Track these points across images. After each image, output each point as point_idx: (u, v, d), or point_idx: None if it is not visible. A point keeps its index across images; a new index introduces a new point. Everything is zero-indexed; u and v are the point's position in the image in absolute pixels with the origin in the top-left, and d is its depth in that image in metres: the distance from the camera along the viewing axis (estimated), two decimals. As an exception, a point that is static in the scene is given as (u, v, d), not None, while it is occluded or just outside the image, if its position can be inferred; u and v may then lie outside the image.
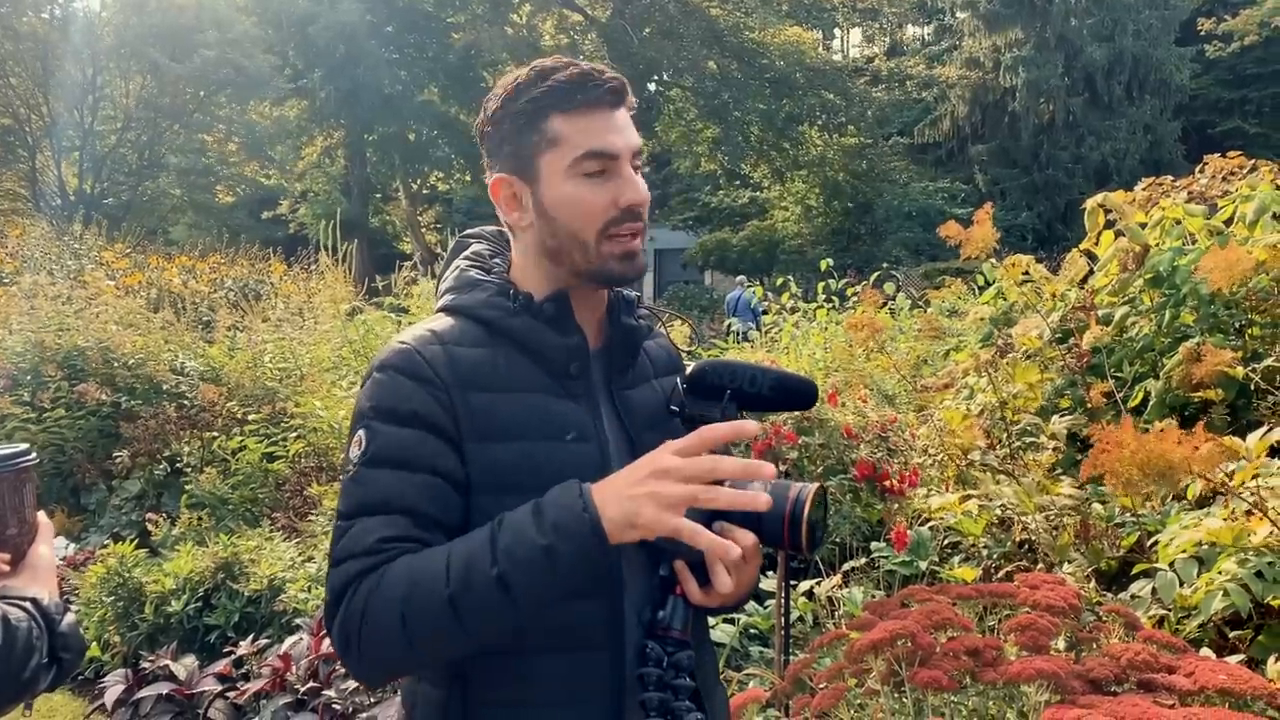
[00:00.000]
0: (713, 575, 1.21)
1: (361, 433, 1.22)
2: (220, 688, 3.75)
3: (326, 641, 3.58)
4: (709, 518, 1.22)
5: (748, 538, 1.21)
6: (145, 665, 4.01)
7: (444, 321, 1.30)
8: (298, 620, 3.91)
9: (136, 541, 4.82)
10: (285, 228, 31.49)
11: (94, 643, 4.38)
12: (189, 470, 5.33)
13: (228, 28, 25.71)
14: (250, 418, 5.52)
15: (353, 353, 5.31)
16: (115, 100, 26.55)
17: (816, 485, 1.25)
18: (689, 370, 1.38)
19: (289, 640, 3.77)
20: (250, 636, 3.99)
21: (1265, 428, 2.46)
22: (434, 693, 1.26)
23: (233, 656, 3.90)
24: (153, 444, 5.68)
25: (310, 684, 3.50)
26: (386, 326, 5.31)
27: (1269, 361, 2.94)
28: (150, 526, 4.98)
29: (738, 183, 33.99)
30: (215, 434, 5.48)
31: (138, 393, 6.26)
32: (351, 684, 3.39)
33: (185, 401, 6.13)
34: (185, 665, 3.90)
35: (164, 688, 3.77)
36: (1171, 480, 1.83)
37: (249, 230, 27.78)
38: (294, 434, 5.29)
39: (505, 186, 1.32)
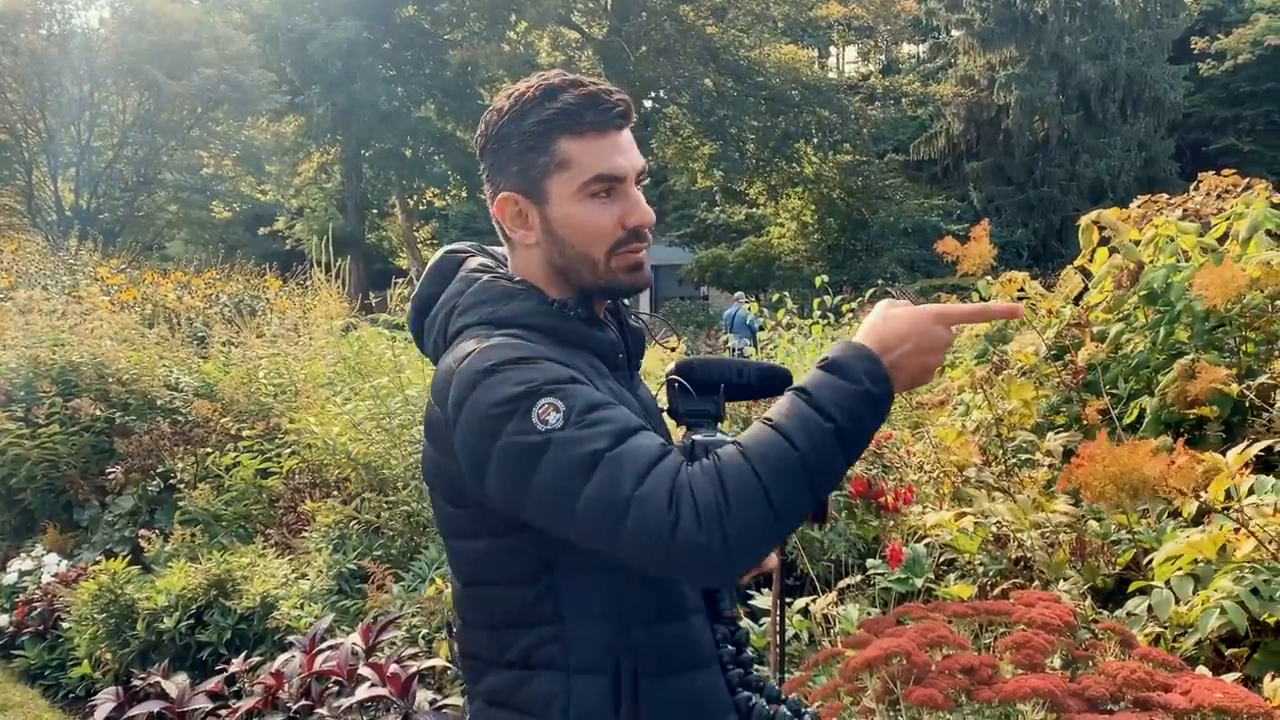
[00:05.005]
0: None
1: (546, 401, 1.17)
2: (212, 706, 3.72)
3: (319, 659, 3.56)
4: None
5: None
6: (136, 683, 3.97)
7: (502, 330, 1.28)
8: (290, 638, 3.89)
9: (129, 558, 4.80)
10: (282, 243, 31.52)
11: (85, 660, 4.36)
12: (182, 486, 5.30)
13: (226, 45, 25.77)
14: (244, 434, 5.49)
15: (348, 369, 5.29)
16: (112, 116, 26.58)
17: None
18: (675, 368, 1.43)
19: (281, 658, 3.74)
20: (243, 654, 3.97)
21: (1244, 443, 2.46)
22: (598, 680, 1.27)
23: (225, 674, 3.87)
24: (146, 460, 5.65)
25: (303, 702, 3.48)
26: (381, 343, 5.30)
27: (1263, 378, 2.94)
28: (143, 543, 4.95)
29: (734, 199, 34.07)
30: (209, 450, 5.45)
31: (132, 408, 6.24)
32: (345, 702, 3.36)
33: (179, 417, 6.11)
34: (177, 683, 3.87)
35: (155, 706, 3.74)
36: (1145, 495, 1.83)
37: (245, 246, 27.84)
38: (288, 450, 5.26)
39: (511, 205, 1.33)
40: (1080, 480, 1.83)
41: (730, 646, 1.32)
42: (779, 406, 1.18)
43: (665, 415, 1.45)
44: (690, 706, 1.31)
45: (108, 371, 6.40)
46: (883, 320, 1.23)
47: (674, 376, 1.42)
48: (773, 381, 1.46)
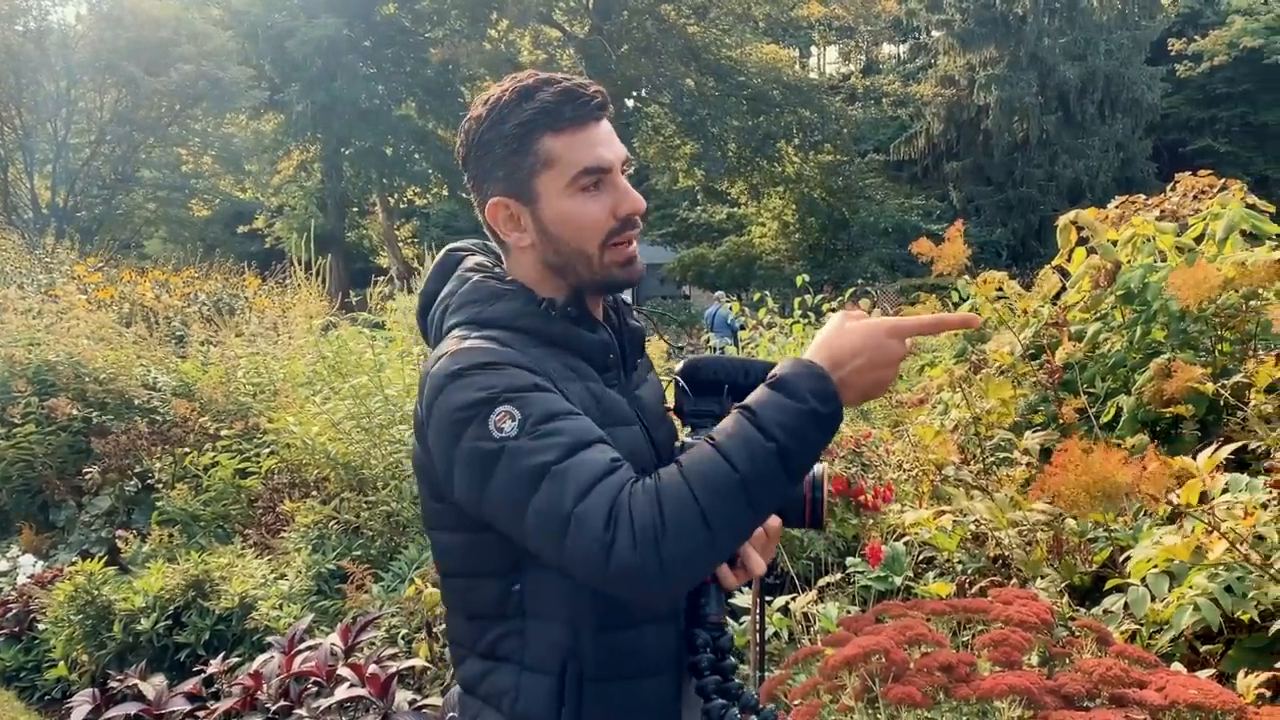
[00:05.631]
0: (746, 561, 1.33)
1: (504, 408, 1.18)
2: (190, 707, 3.70)
3: (298, 659, 3.55)
4: None
5: (774, 521, 1.34)
6: (113, 685, 3.95)
7: (484, 331, 1.30)
8: (269, 638, 3.87)
9: (106, 559, 4.76)
10: (261, 242, 31.36)
11: (61, 662, 4.32)
12: (160, 486, 5.26)
13: (204, 41, 25.61)
14: (223, 433, 5.46)
15: (327, 368, 5.27)
16: (89, 113, 26.37)
17: (824, 465, 1.36)
18: (680, 369, 1.44)
19: (260, 658, 3.72)
20: (221, 655, 3.94)
21: (1214, 446, 2.48)
22: (544, 679, 1.29)
23: (203, 675, 3.85)
24: (124, 460, 5.61)
25: (281, 703, 3.46)
26: (360, 342, 5.27)
27: (1238, 377, 2.97)
28: (120, 544, 4.92)
29: (716, 199, 34.13)
30: (187, 450, 5.42)
31: (109, 408, 6.19)
32: (324, 702, 3.35)
33: (157, 417, 6.06)
34: (154, 685, 3.84)
35: (132, 708, 3.71)
36: (1116, 501, 1.83)
37: (224, 245, 27.64)
38: (267, 450, 5.24)
39: (502, 209, 1.34)
40: (1053, 488, 1.84)
41: (711, 653, 1.32)
42: (724, 424, 1.18)
43: (673, 414, 1.46)
44: (633, 713, 1.34)
45: (84, 371, 6.35)
46: (836, 334, 1.22)
47: (678, 376, 1.44)
48: None
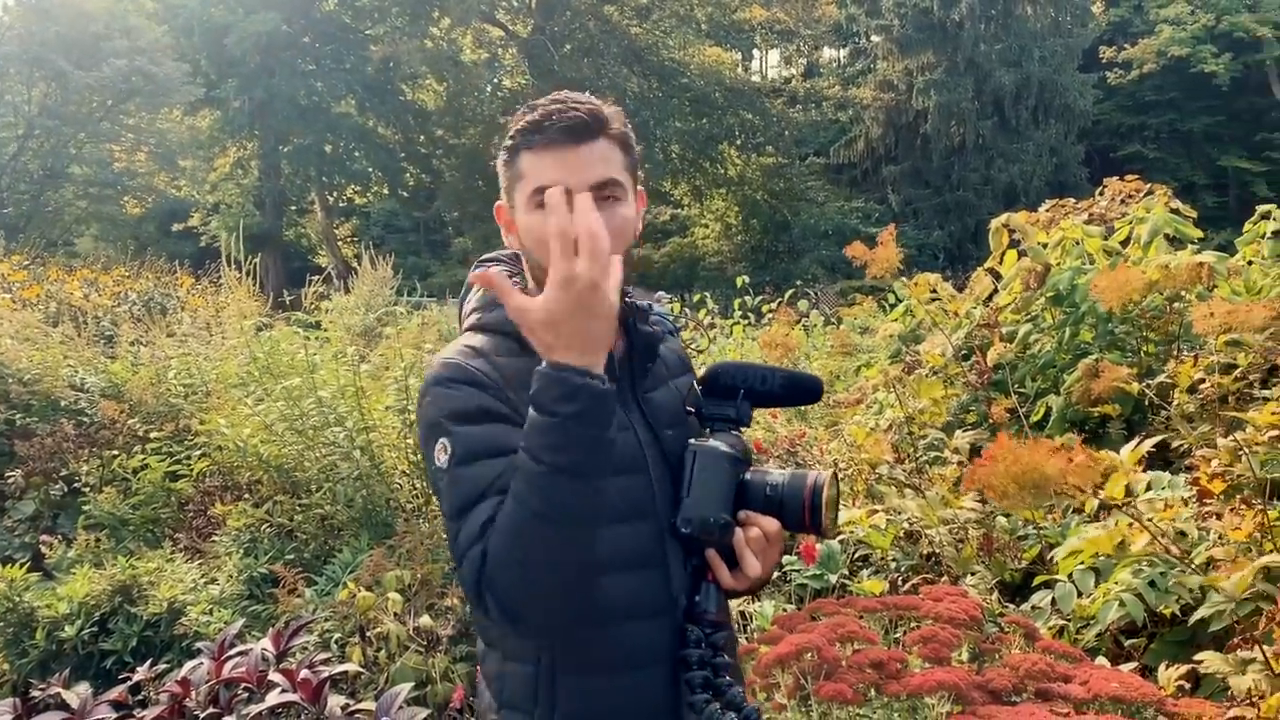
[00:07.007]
0: (741, 561, 1.35)
1: (443, 440, 1.30)
2: (116, 716, 3.59)
3: (228, 665, 3.47)
4: (734, 508, 1.37)
5: (772, 524, 1.37)
6: (35, 694, 3.82)
7: (477, 338, 1.40)
8: (199, 644, 3.79)
9: (29, 565, 4.62)
10: (196, 241, 30.72)
11: (-20, 671, 4.19)
12: (87, 490, 5.13)
13: (138, 36, 25.07)
14: (153, 435, 5.34)
15: (260, 369, 5.17)
16: (17, 107, 25.67)
17: (830, 471, 1.38)
18: (702, 373, 1.50)
19: (189, 665, 3.63)
20: (148, 662, 3.85)
21: (1136, 440, 2.54)
22: (523, 669, 1.35)
23: (129, 683, 3.75)
24: (49, 463, 5.46)
25: (210, 710, 3.38)
26: (295, 342, 5.18)
27: (1162, 377, 3.04)
28: (44, 549, 4.78)
29: (659, 200, 34.21)
30: (116, 452, 5.29)
31: (34, 409, 6.02)
32: (254, 709, 3.28)
33: (84, 419, 5.91)
34: (78, 693, 3.73)
35: (55, 717, 3.60)
36: (1045, 493, 1.86)
37: (158, 243, 27.06)
38: (198, 452, 5.13)
39: (502, 213, 1.45)
40: (983, 480, 1.86)
41: (702, 648, 1.34)
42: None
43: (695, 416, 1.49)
44: (617, 707, 1.35)
45: (7, 372, 6.17)
46: (542, 305, 1.19)
47: (698, 381, 1.49)
48: (799, 390, 1.48)
